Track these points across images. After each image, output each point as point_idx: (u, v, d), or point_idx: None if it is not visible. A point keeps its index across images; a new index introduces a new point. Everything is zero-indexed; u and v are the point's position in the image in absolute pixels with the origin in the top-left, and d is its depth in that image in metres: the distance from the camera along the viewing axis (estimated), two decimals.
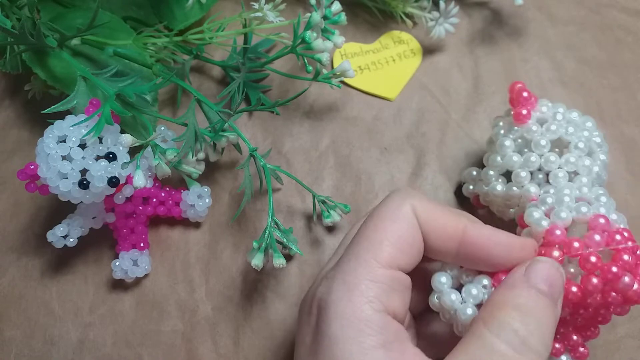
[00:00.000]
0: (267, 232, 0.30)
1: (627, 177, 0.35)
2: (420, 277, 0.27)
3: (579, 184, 0.28)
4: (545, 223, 0.26)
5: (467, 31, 0.40)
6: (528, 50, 0.39)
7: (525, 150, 0.30)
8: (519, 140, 0.31)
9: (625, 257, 0.24)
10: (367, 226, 0.25)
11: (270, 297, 0.33)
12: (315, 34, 0.32)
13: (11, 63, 0.35)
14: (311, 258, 0.34)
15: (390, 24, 0.41)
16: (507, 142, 0.30)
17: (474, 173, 0.34)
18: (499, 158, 0.31)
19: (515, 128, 0.31)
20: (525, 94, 0.31)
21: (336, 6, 0.33)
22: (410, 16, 0.40)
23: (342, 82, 0.37)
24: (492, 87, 0.38)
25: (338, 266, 0.25)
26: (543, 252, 0.25)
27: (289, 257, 0.34)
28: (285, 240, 0.32)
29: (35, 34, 0.30)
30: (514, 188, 0.29)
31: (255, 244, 0.30)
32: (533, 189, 0.29)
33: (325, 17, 0.32)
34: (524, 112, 0.30)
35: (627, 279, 0.24)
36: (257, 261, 0.30)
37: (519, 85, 0.31)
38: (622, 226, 0.26)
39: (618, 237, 0.25)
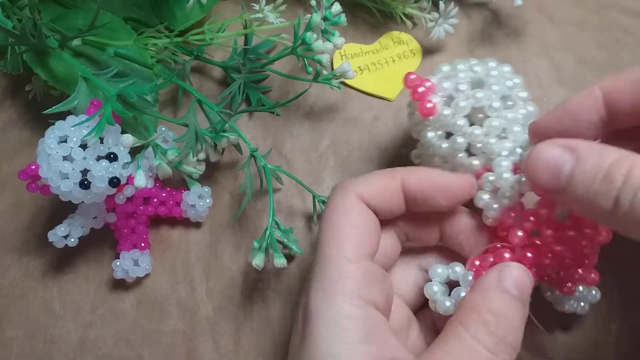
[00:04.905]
0: (267, 232, 0.31)
1: None
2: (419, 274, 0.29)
3: (512, 147, 0.27)
4: (496, 206, 0.27)
5: (467, 32, 0.40)
6: (527, 51, 0.39)
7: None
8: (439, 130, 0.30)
9: None
10: (324, 229, 0.26)
11: (271, 296, 0.34)
12: (315, 35, 0.32)
13: (12, 63, 0.35)
14: (311, 258, 0.34)
15: (390, 24, 0.41)
16: (430, 134, 0.30)
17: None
18: (430, 150, 0.30)
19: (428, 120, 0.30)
20: (421, 89, 0.29)
21: (336, 7, 0.33)
22: (409, 17, 0.40)
23: (342, 82, 0.37)
24: None
25: (312, 271, 0.26)
26: (505, 234, 0.27)
27: (289, 257, 0.34)
28: (285, 240, 0.32)
29: (36, 34, 0.30)
30: (460, 155, 0.29)
31: (256, 244, 0.31)
32: (476, 161, 0.28)
33: (325, 19, 0.32)
34: (429, 105, 0.29)
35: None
36: (257, 261, 0.30)
37: (412, 77, 0.30)
38: None
39: None
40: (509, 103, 0.30)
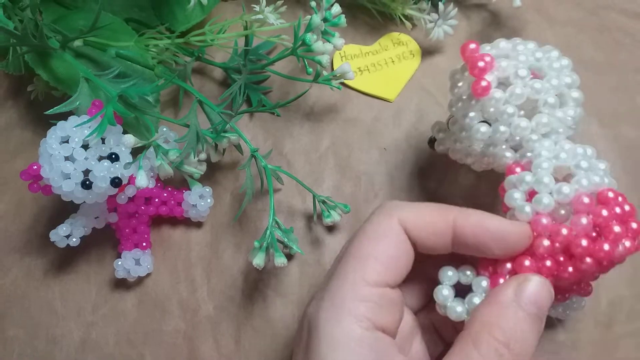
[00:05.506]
0: (268, 232, 0.31)
1: (624, 177, 0.35)
2: (421, 274, 0.28)
3: (558, 150, 0.26)
4: (528, 209, 0.25)
5: (466, 33, 0.41)
6: None
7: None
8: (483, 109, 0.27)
9: (616, 228, 0.23)
10: (354, 245, 0.25)
11: (272, 296, 0.34)
12: (315, 36, 0.32)
13: (14, 64, 0.35)
14: (312, 257, 0.35)
15: (389, 25, 0.41)
16: (472, 114, 0.27)
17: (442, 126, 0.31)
18: (464, 133, 0.28)
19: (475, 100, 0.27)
20: (481, 64, 0.26)
21: (336, 8, 0.33)
22: (409, 18, 0.40)
23: (342, 83, 0.37)
24: None
25: (327, 286, 0.25)
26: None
27: (289, 257, 0.34)
28: (286, 240, 0.32)
29: (38, 35, 0.31)
30: (491, 148, 0.27)
31: (256, 244, 0.31)
32: (509, 154, 0.27)
33: (325, 20, 0.33)
34: (484, 83, 0.26)
35: (621, 247, 0.23)
36: (258, 260, 0.30)
37: (472, 46, 0.27)
38: (607, 186, 0.25)
39: (605, 212, 0.24)
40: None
